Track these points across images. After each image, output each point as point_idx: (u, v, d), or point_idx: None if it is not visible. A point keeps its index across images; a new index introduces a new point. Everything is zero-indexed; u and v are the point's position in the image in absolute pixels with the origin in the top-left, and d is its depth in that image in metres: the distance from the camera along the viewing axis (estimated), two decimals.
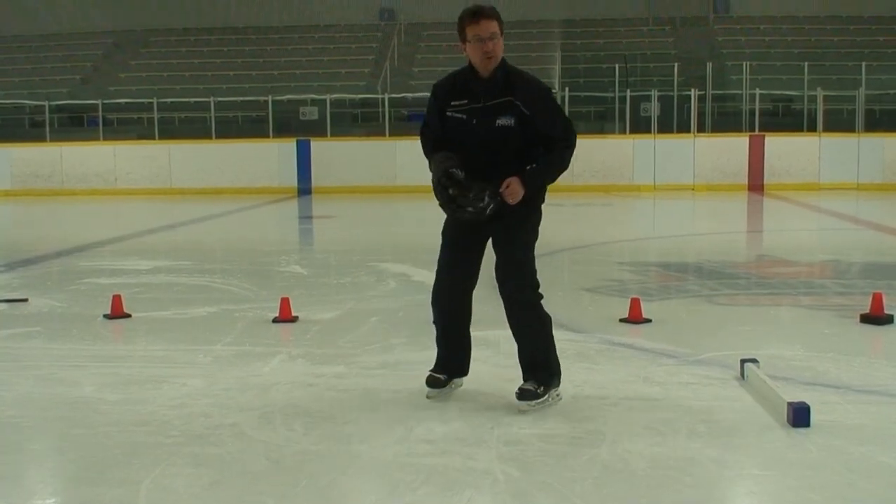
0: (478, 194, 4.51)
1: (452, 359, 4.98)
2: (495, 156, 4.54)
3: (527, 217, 4.66)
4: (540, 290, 4.73)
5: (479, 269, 4.88)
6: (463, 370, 5.02)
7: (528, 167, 4.52)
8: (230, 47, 29.59)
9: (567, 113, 21.02)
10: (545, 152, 4.58)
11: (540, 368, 4.72)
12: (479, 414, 4.60)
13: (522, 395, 4.63)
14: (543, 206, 4.82)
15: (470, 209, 4.55)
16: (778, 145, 21.35)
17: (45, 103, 24.65)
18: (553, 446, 4.13)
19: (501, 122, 4.51)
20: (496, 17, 4.56)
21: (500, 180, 4.48)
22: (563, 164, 4.59)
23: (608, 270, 9.64)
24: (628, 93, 22.84)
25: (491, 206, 4.49)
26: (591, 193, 20.45)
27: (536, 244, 4.74)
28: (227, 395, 4.99)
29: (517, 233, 4.66)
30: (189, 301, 7.89)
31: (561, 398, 4.80)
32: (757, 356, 5.18)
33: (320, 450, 4.14)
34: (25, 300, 7.94)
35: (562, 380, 4.81)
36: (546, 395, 4.67)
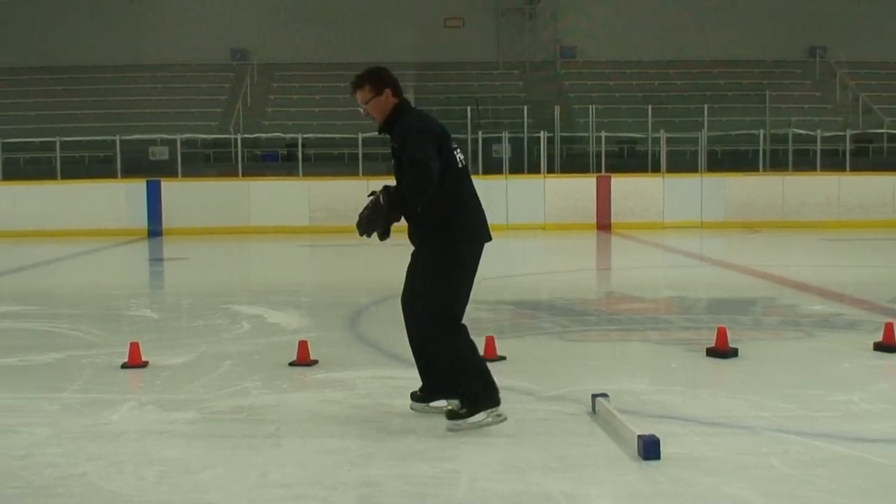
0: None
1: (422, 378, 5.28)
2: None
3: (424, 259, 5.05)
4: (456, 323, 5.00)
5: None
6: (434, 393, 5.24)
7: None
8: (77, 86, 28.77)
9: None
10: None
11: (463, 395, 5.01)
12: (336, 455, 4.58)
13: (448, 415, 5.01)
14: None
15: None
16: (624, 185, 22.06)
17: None
18: (411, 486, 4.15)
19: (394, 159, 5.09)
20: (365, 83, 5.06)
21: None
22: (409, 186, 4.84)
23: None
24: (480, 134, 23.23)
25: (367, 220, 4.91)
26: None
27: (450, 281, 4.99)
28: (75, 444, 4.83)
29: (420, 273, 5.07)
30: (34, 347, 7.60)
31: (503, 418, 4.99)
32: (607, 390, 5.32)
33: (173, 500, 4.05)
34: None
35: (499, 401, 5.01)
36: (470, 416, 4.93)
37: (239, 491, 4.12)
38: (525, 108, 24.51)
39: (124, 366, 6.71)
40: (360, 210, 4.98)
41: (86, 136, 24.53)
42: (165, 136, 24.04)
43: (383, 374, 6.40)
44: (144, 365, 6.73)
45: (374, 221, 4.91)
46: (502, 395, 5.06)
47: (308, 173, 22.67)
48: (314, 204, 21.27)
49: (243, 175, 22.74)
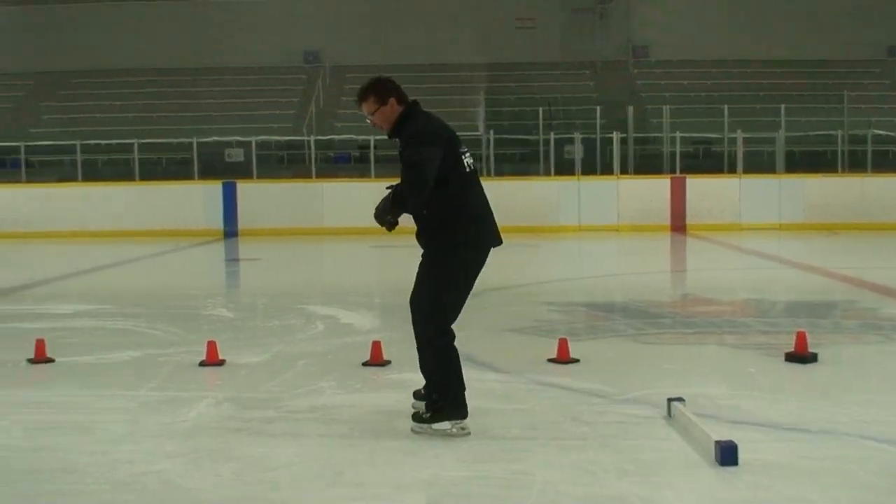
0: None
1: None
2: None
3: (426, 261, 5.14)
4: (446, 329, 5.03)
5: None
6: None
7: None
8: (155, 89, 29.33)
9: (492, 155, 20.89)
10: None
11: (432, 400, 5.01)
12: (409, 456, 4.59)
13: (413, 417, 5.06)
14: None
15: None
16: (699, 186, 21.75)
17: None
18: (483, 488, 4.14)
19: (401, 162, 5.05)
20: (369, 95, 5.08)
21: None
22: (403, 187, 4.94)
23: (535, 311, 9.69)
24: (552, 136, 23.11)
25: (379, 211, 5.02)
26: (517, 235, 20.57)
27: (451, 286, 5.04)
28: (152, 441, 4.91)
29: (418, 274, 5.15)
30: (113, 346, 7.74)
31: (467, 432, 4.90)
32: (683, 395, 5.24)
33: (249, 496, 4.09)
34: None
35: (466, 415, 4.96)
36: (433, 422, 4.93)
37: (313, 489, 4.15)
38: (597, 108, 24.31)
39: (202, 364, 6.80)
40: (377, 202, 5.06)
41: (163, 138, 24.99)
42: (241, 138, 24.36)
43: None
44: (221, 363, 6.82)
45: (381, 214, 5.01)
46: (575, 397, 5.01)
47: (380, 174, 22.77)
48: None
49: (316, 176, 22.94)
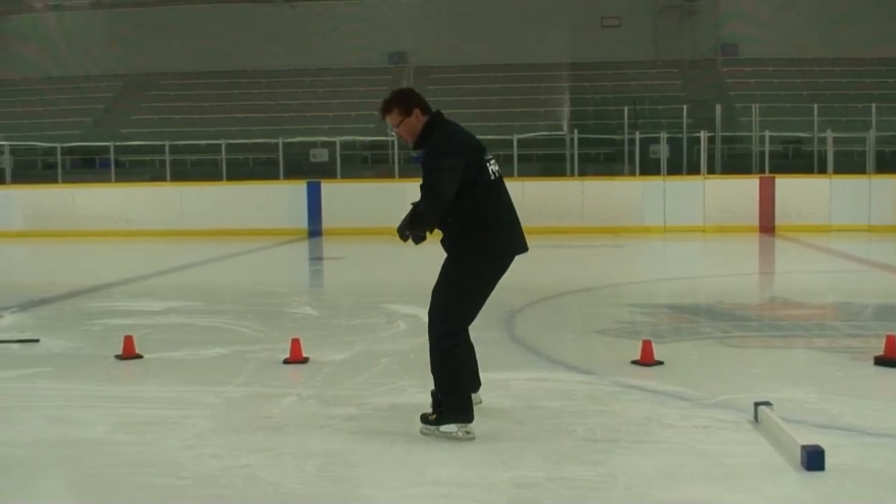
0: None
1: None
2: None
3: (448, 266, 5.10)
4: (460, 333, 5.06)
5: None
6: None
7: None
8: (241, 90, 29.80)
9: (575, 155, 20.74)
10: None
11: (440, 401, 4.99)
12: (490, 455, 4.58)
13: (422, 418, 5.02)
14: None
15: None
16: (789, 187, 21.33)
17: (58, 145, 24.80)
18: (565, 489, 4.11)
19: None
20: (393, 107, 5.14)
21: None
22: (422, 212, 4.97)
23: (619, 312, 9.61)
24: (637, 135, 22.87)
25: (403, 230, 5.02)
26: (601, 235, 20.45)
27: (469, 291, 5.06)
28: (238, 436, 4.98)
29: (440, 277, 5.10)
30: (200, 342, 7.89)
31: (472, 436, 4.86)
32: (770, 399, 5.15)
33: (332, 493, 4.13)
34: (37, 341, 7.96)
35: (472, 419, 4.92)
36: (440, 424, 4.91)
37: (395, 487, 4.17)
38: (684, 107, 24.00)
39: (286, 361, 6.89)
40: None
41: (250, 139, 25.40)
42: (325, 138, 24.61)
43: (537, 375, 6.37)
44: (305, 361, 6.90)
45: (402, 231, 5.01)
46: (659, 400, 4.95)
47: None
48: None
49: (399, 176, 23.07)
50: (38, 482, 4.39)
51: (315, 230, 21.95)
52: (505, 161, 23.78)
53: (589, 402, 5.61)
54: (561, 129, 25.33)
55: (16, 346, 7.83)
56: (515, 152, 22.59)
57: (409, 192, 21.72)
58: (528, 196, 21.13)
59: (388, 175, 23.40)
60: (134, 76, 31.73)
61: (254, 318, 9.22)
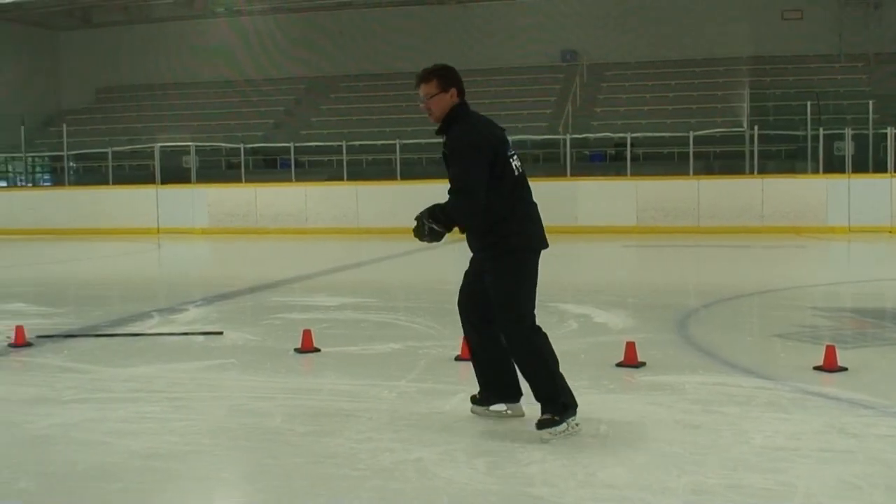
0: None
1: (479, 381, 5.35)
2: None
3: (492, 265, 5.02)
4: (534, 324, 5.01)
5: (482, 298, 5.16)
6: (492, 397, 5.29)
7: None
8: (414, 91, 30.19)
9: (755, 151, 20.17)
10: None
11: (549, 400, 4.91)
12: (665, 460, 4.49)
13: (541, 424, 4.85)
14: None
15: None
16: None
17: (241, 146, 25.86)
18: (743, 497, 3.99)
19: (445, 163, 5.05)
20: (433, 78, 5.10)
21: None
22: (451, 211, 4.93)
23: (801, 316, 9.27)
24: (821, 131, 22.03)
25: (422, 229, 5.05)
26: (782, 235, 19.78)
27: (533, 284, 5.08)
28: (410, 430, 5.05)
29: (490, 280, 5.03)
30: (375, 337, 8.06)
31: (580, 428, 4.86)
32: None
33: (503, 490, 4.13)
34: (220, 333, 8.31)
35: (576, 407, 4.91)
36: (563, 423, 4.82)
37: (566, 487, 4.13)
38: (870, 102, 22.94)
39: (457, 358, 6.95)
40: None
41: (423, 138, 25.78)
42: None
43: (715, 380, 6.19)
44: None
45: (421, 222, 5.05)
46: (842, 407, 4.74)
47: (636, 173, 22.48)
48: (642, 204, 21.05)
49: (571, 175, 22.95)
50: (219, 470, 4.57)
51: None
52: (680, 159, 23.34)
53: (768, 409, 5.42)
54: (740, 126, 24.66)
55: (200, 338, 8.19)
56: (692, 149, 22.12)
57: (579, 190, 21.67)
58: (705, 195, 20.69)
59: (559, 173, 23.30)
60: (313, 79, 32.73)
61: (426, 314, 9.34)
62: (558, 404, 4.88)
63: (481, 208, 4.86)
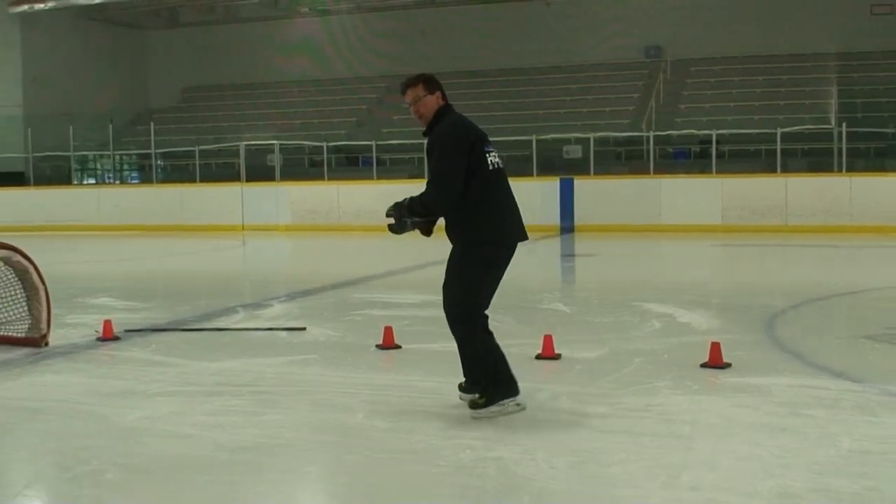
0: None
1: (463, 370, 5.62)
2: None
3: (460, 251, 5.35)
4: (470, 314, 5.38)
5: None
6: (475, 384, 5.51)
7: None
8: (497, 88, 30.26)
9: (843, 149, 19.77)
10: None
11: (477, 381, 5.37)
12: (750, 462, 4.41)
13: (470, 405, 5.35)
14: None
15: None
16: None
17: (324, 144, 26.14)
18: (829, 502, 3.90)
19: (427, 159, 5.45)
20: (419, 82, 5.38)
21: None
22: (427, 201, 5.26)
23: (891, 317, 9.03)
24: None
25: (404, 225, 5.37)
26: (871, 234, 19.30)
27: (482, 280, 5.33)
28: (491, 428, 5.05)
29: (451, 260, 5.37)
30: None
31: (522, 407, 5.31)
32: None
33: (584, 490, 4.11)
34: (304, 329, 8.40)
35: (518, 391, 5.31)
36: (490, 405, 5.25)
37: (649, 489, 4.09)
38: None
39: (538, 357, 6.93)
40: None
41: (504, 136, 25.76)
42: (579, 134, 24.58)
43: (802, 382, 6.07)
44: (557, 357, 6.91)
45: (400, 230, 5.39)
46: (891, 415, 4.60)
47: (721, 170, 22.15)
48: (727, 202, 20.71)
49: (654, 172, 22.71)
50: (301, 464, 4.63)
51: (567, 227, 21.97)
52: (767, 156, 22.94)
53: (856, 412, 5.29)
54: (828, 123, 24.13)
55: (284, 333, 8.29)
56: (779, 147, 21.71)
57: (663, 188, 21.43)
58: (792, 193, 20.28)
59: (643, 171, 23.08)
60: (395, 77, 32.84)
61: (507, 312, 9.31)
62: (486, 388, 5.30)
63: (456, 199, 5.16)
